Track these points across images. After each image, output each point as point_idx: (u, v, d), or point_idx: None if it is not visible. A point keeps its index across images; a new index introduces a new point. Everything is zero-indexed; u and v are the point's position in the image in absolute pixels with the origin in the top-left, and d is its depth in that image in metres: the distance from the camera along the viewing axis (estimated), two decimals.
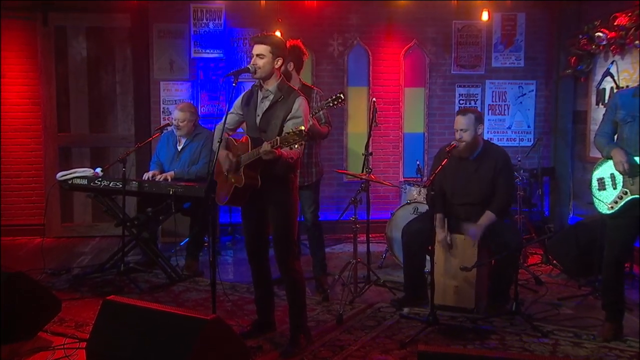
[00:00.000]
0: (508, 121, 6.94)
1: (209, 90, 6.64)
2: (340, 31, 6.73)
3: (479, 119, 4.21)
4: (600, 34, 5.73)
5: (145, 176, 5.10)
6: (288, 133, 3.11)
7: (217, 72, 6.62)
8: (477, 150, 4.23)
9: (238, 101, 3.67)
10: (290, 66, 4.44)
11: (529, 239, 5.59)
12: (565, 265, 5.10)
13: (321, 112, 4.44)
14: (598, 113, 6.06)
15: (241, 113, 3.64)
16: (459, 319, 4.03)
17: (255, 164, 3.32)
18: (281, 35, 6.22)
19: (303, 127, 3.10)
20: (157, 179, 5.01)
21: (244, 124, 3.69)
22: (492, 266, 4.20)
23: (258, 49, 3.40)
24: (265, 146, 3.17)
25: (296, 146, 3.19)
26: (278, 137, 3.15)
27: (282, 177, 3.43)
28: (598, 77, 6.03)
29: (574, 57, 6.25)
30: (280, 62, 3.46)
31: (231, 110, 3.66)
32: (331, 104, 4.31)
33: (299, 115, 3.36)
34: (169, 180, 5.01)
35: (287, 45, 4.47)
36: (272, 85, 3.46)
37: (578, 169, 6.62)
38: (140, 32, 6.50)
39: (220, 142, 3.43)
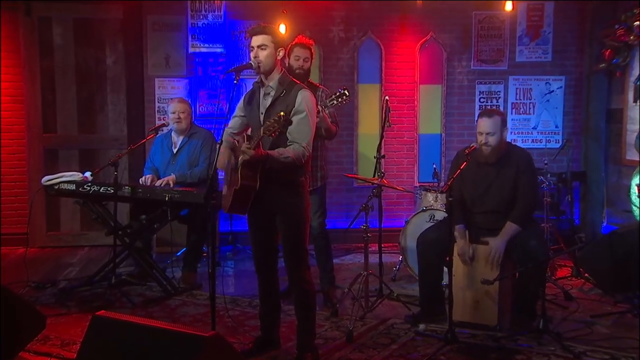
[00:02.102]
0: (534, 121, 6.92)
1: (208, 87, 6.67)
2: (350, 24, 6.74)
3: (505, 122, 4.22)
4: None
5: (142, 181, 5.11)
6: (268, 122, 3.15)
7: (216, 68, 6.65)
8: (501, 154, 4.23)
9: (240, 103, 3.70)
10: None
11: (558, 249, 5.56)
12: (599, 279, 5.06)
13: (328, 112, 4.44)
14: (635, 111, 6.04)
15: (244, 115, 3.67)
16: (480, 337, 4.01)
17: (249, 162, 3.30)
18: (286, 28, 6.26)
19: (283, 113, 3.13)
20: (156, 184, 5.01)
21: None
22: (517, 279, 4.18)
23: (259, 39, 3.41)
24: (242, 146, 3.20)
25: (292, 147, 3.28)
26: (260, 130, 3.20)
27: (289, 180, 3.44)
28: (636, 71, 6.02)
29: (609, 50, 6.22)
30: (282, 52, 3.48)
31: (234, 114, 3.70)
32: (335, 102, 4.30)
33: (302, 110, 3.37)
34: (171, 184, 5.00)
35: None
36: (273, 80, 3.48)
37: (612, 173, 6.58)
38: (133, 24, 6.54)
39: (222, 142, 3.47)
